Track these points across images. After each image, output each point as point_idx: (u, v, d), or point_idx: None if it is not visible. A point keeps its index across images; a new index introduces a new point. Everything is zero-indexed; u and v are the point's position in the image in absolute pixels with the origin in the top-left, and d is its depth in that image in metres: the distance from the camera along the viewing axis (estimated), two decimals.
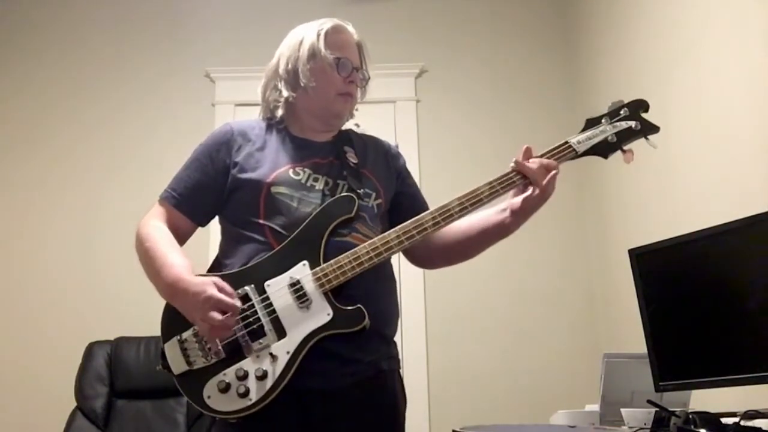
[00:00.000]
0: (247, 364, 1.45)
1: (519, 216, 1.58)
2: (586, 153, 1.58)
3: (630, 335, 2.41)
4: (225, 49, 3.79)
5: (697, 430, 1.44)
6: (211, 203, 1.64)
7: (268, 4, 3.86)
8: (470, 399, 3.35)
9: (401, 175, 1.79)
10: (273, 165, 1.61)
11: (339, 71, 1.66)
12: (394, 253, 1.54)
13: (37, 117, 3.71)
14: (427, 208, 1.75)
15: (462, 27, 3.88)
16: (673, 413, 1.54)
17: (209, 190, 1.62)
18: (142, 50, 3.81)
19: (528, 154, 1.56)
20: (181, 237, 1.63)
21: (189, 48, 3.81)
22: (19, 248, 3.53)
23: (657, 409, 1.61)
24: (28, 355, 3.37)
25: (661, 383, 1.70)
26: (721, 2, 2.29)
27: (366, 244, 1.52)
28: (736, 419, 1.45)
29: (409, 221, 1.55)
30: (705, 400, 1.91)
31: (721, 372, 1.60)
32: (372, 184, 1.66)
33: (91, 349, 2.97)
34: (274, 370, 1.44)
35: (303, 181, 1.60)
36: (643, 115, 1.59)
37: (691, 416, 1.48)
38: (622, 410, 1.81)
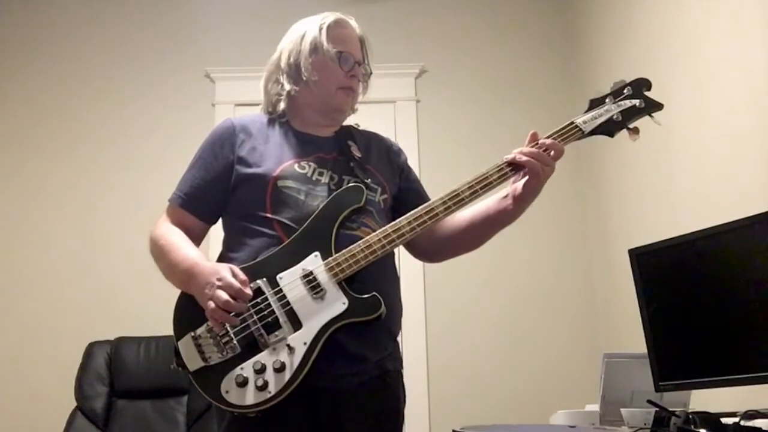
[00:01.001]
0: (264, 357, 1.43)
1: (520, 202, 1.57)
2: (593, 132, 1.58)
3: (630, 335, 2.41)
4: (225, 49, 3.79)
5: (697, 430, 1.44)
6: (218, 200, 1.63)
7: (268, 4, 3.86)
8: (470, 399, 3.35)
9: (404, 172, 1.78)
10: (278, 159, 1.60)
11: (341, 65, 1.66)
12: (406, 240, 1.53)
13: (37, 117, 3.70)
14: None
15: (462, 27, 3.87)
16: (673, 413, 1.53)
17: (215, 187, 1.62)
18: (142, 50, 3.80)
19: (533, 139, 1.56)
20: (194, 238, 1.62)
21: (189, 48, 3.80)
22: (19, 248, 3.53)
23: (657, 409, 1.61)
24: (28, 355, 3.37)
25: (661, 383, 1.70)
26: (721, 2, 2.29)
27: (377, 232, 1.52)
28: (736, 419, 1.45)
29: (419, 208, 1.54)
30: (705, 400, 1.91)
31: (721, 372, 1.60)
32: (377, 180, 1.66)
33: (91, 349, 2.97)
34: (292, 362, 1.43)
35: (309, 175, 1.59)
36: (646, 93, 1.59)
37: (691, 416, 1.48)
38: (622, 410, 1.81)
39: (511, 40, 3.86)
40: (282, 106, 1.69)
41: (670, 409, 1.57)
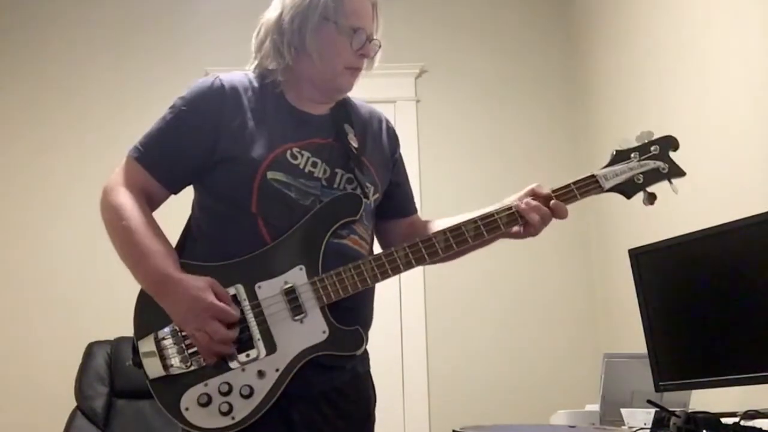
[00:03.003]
0: (232, 378, 1.33)
1: (515, 237, 1.53)
2: (611, 190, 1.51)
3: (630, 335, 2.41)
4: (225, 49, 3.76)
5: (697, 430, 1.44)
6: (191, 170, 1.47)
7: (268, 4, 3.85)
8: (470, 399, 3.35)
9: (396, 165, 1.68)
10: (270, 143, 1.44)
11: (352, 42, 1.48)
12: (399, 273, 1.43)
13: (37, 117, 3.69)
14: (414, 204, 1.72)
15: (462, 27, 3.87)
16: (673, 413, 1.53)
17: (190, 155, 1.46)
18: (142, 50, 3.80)
19: (532, 195, 1.48)
20: (153, 204, 1.49)
21: (188, 47, 3.80)
22: (19, 248, 3.53)
23: (657, 409, 1.61)
24: (29, 355, 3.37)
25: (661, 383, 1.70)
26: (722, 1, 2.29)
27: (371, 258, 1.42)
28: (736, 419, 1.45)
29: (419, 240, 1.44)
30: (705, 400, 1.91)
31: (721, 372, 1.60)
32: (371, 178, 1.54)
33: (91, 349, 2.97)
34: (262, 389, 1.32)
35: (301, 167, 1.44)
36: (672, 155, 1.51)
37: (691, 416, 1.48)
38: (622, 410, 1.82)
39: (511, 40, 3.85)
40: (277, 75, 1.52)
41: (670, 409, 1.57)
